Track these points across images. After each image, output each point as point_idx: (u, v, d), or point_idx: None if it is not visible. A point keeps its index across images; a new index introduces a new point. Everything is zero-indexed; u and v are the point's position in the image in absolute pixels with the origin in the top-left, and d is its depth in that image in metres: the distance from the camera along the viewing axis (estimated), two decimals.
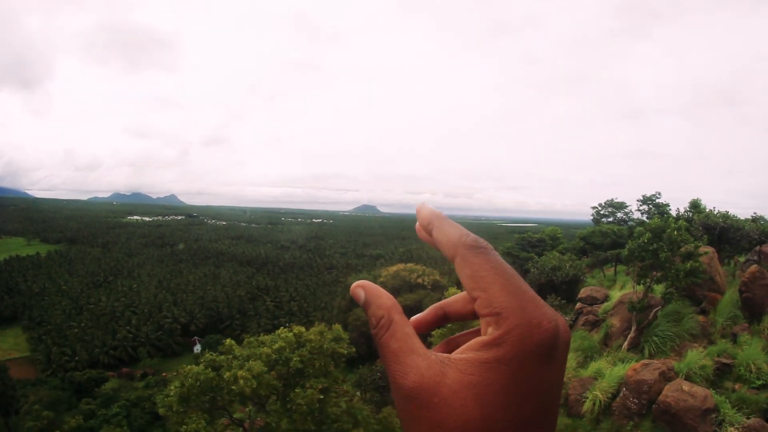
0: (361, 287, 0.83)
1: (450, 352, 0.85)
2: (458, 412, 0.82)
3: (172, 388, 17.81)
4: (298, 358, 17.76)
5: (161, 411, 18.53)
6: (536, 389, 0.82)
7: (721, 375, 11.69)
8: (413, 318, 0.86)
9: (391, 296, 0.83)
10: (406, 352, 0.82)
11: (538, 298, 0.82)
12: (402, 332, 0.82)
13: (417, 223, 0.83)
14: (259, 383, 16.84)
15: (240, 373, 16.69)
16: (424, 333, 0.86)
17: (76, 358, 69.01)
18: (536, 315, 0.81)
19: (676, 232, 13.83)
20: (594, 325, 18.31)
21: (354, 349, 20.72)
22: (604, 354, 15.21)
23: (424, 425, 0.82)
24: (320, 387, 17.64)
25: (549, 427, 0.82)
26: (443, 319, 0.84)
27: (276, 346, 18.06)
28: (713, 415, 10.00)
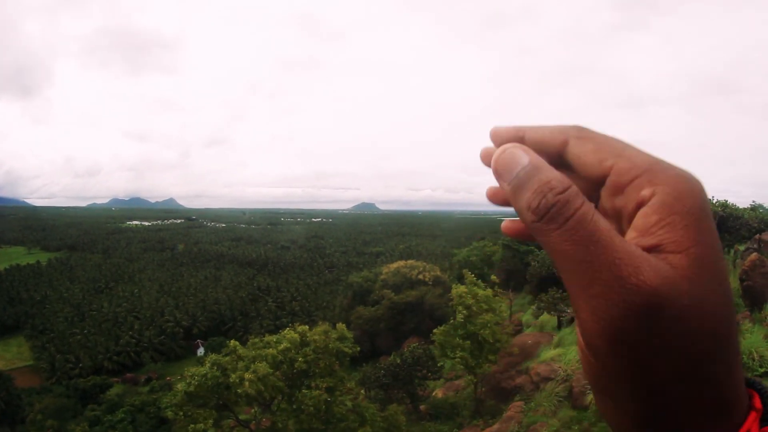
0: (520, 148, 0.63)
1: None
2: (710, 305, 0.55)
3: (179, 387, 17.90)
4: (303, 359, 17.84)
5: (169, 414, 18.61)
6: (717, 242, 0.60)
7: None
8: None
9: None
10: (619, 236, 0.56)
11: None
12: (599, 218, 0.57)
13: (494, 144, 0.69)
14: (264, 385, 16.93)
15: (246, 375, 16.78)
16: None
17: (80, 365, 69.13)
18: (681, 168, 0.61)
19: None
20: None
21: (358, 348, 20.81)
22: None
23: (687, 347, 0.54)
24: (326, 386, 17.73)
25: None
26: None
27: (281, 347, 18.14)
28: None
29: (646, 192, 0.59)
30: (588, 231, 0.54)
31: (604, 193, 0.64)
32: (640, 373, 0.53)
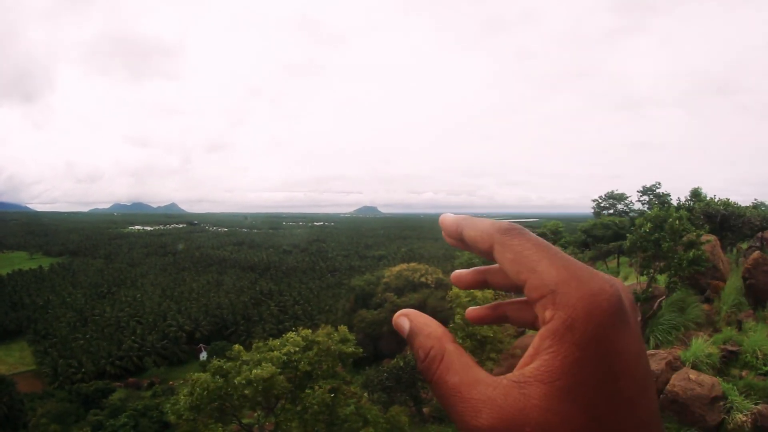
0: (405, 316, 0.70)
1: (498, 318, 0.76)
2: (562, 430, 0.66)
3: (182, 396, 17.85)
4: (307, 361, 17.84)
5: (172, 418, 18.55)
6: (626, 363, 0.67)
7: (727, 362, 11.69)
8: (454, 272, 0.78)
9: (440, 324, 0.70)
10: (469, 384, 0.67)
11: (589, 267, 0.69)
12: (459, 362, 0.68)
13: (443, 232, 0.74)
14: (272, 383, 16.91)
15: (253, 372, 16.76)
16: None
17: (83, 370, 69.10)
18: (595, 281, 0.68)
19: (677, 222, 13.84)
20: None
21: (361, 350, 20.78)
22: None
23: None
24: (329, 387, 17.69)
25: (652, 402, 0.68)
26: (483, 284, 0.77)
27: (285, 349, 18.14)
28: (721, 403, 10.01)
29: (548, 314, 0.67)
30: (441, 390, 0.66)
31: (526, 302, 0.71)
32: None
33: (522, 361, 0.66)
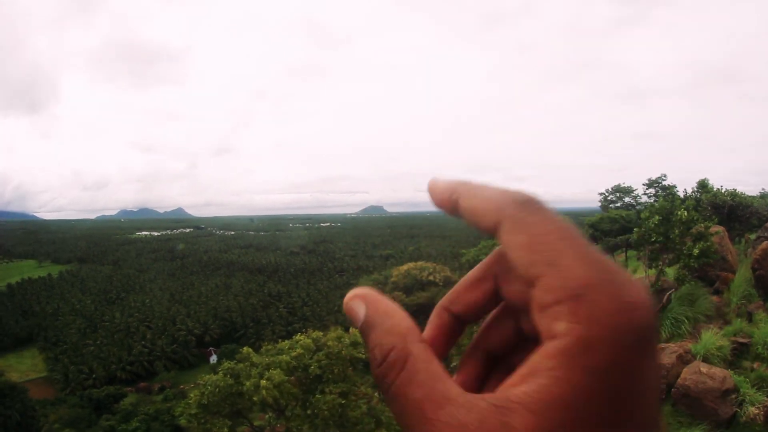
0: (361, 298, 0.53)
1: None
2: None
3: (192, 396, 17.97)
4: (317, 364, 17.83)
5: (183, 422, 18.67)
6: (642, 395, 0.49)
7: (738, 355, 11.62)
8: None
9: (406, 315, 0.52)
10: (437, 402, 0.49)
11: (619, 266, 0.49)
12: (426, 372, 0.49)
13: (432, 200, 0.59)
14: (280, 392, 16.94)
15: (262, 382, 16.79)
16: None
17: (94, 376, 69.48)
18: (630, 290, 0.48)
19: (686, 213, 13.77)
20: None
21: None
22: None
23: None
24: (339, 391, 17.70)
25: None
26: (454, 325, 0.60)
27: (294, 353, 18.14)
28: (733, 396, 9.95)
29: (560, 326, 0.49)
30: (399, 406, 0.49)
31: (530, 304, 0.49)
32: None
33: (510, 379, 0.49)
